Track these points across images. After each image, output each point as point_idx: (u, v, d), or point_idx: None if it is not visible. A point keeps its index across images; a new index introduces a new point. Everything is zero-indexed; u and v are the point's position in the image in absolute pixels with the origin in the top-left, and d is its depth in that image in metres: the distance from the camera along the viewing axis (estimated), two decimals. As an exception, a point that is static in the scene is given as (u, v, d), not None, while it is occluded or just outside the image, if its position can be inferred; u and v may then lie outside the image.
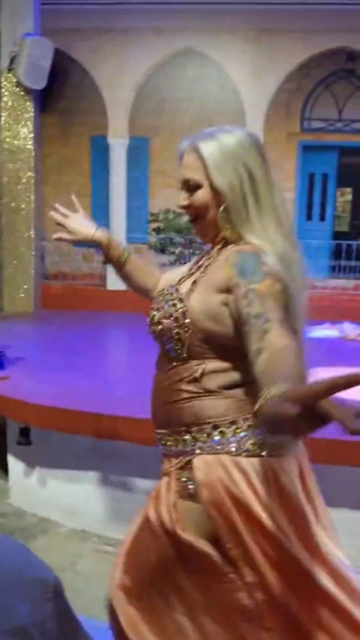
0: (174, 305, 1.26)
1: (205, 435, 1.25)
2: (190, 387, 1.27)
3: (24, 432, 2.81)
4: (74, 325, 5.43)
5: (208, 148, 1.24)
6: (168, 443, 1.32)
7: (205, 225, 1.29)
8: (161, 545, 1.28)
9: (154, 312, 1.31)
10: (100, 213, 6.80)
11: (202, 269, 1.29)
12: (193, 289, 1.26)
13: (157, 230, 6.73)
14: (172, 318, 1.25)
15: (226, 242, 1.28)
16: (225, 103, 6.45)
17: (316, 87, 6.47)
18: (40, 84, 6.07)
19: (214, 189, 1.25)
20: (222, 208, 1.24)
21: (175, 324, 1.25)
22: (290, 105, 6.51)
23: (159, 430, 1.35)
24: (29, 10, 6.15)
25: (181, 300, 1.25)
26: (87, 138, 6.69)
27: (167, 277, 1.45)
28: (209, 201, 1.26)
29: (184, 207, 1.30)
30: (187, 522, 1.25)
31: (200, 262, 1.33)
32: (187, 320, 1.24)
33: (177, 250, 6.73)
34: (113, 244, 1.49)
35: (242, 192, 1.23)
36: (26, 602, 0.64)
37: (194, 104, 6.53)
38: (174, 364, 1.30)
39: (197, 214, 1.29)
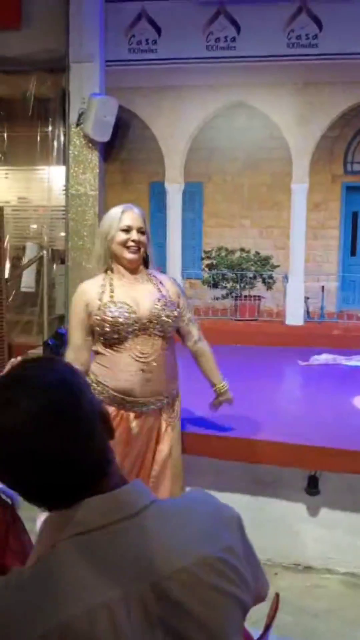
0: (172, 309, 2.27)
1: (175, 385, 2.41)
2: (172, 354, 2.33)
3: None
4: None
5: (143, 214, 2.32)
6: (153, 404, 2.26)
7: (140, 255, 2.28)
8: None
9: (162, 313, 2.24)
10: (158, 251, 7.34)
11: (156, 285, 2.31)
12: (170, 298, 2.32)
13: (210, 267, 7.21)
14: (174, 315, 2.27)
15: (144, 266, 2.34)
16: (273, 150, 6.97)
17: (357, 133, 6.92)
18: (105, 137, 6.74)
19: (148, 237, 2.30)
20: (149, 246, 2.35)
21: (175, 317, 2.27)
22: (333, 151, 6.96)
23: (158, 397, 2.25)
24: (94, 72, 6.89)
25: (177, 305, 2.32)
26: (146, 184, 7.29)
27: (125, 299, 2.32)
28: (147, 243, 2.29)
29: (137, 242, 2.21)
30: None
31: (141, 282, 2.32)
32: (177, 315, 2.31)
33: (229, 285, 7.18)
34: None
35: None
36: (226, 530, 0.96)
37: (243, 152, 7.07)
38: (165, 342, 2.25)
39: (140, 247, 2.25)
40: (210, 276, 7.19)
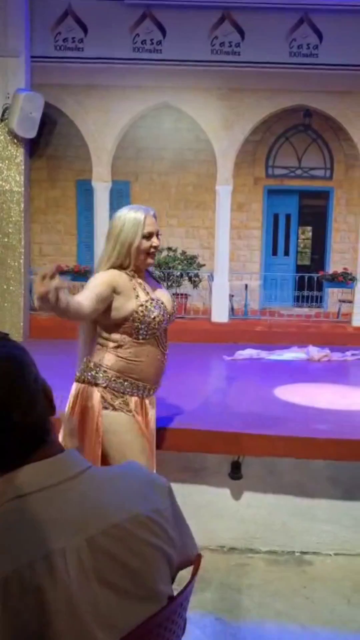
0: (173, 306, 2.37)
1: None
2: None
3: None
4: (63, 352, 5.91)
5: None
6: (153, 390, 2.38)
7: None
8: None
9: (175, 307, 2.38)
10: (85, 250, 7.37)
11: (158, 282, 2.41)
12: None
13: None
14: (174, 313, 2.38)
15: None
16: (199, 152, 7.18)
17: (278, 139, 7.27)
18: (31, 133, 6.66)
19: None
20: None
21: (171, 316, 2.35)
22: (256, 154, 7.27)
23: (156, 385, 2.37)
24: (19, 67, 6.79)
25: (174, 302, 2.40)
26: (72, 182, 7.28)
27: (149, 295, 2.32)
28: None
29: (157, 246, 2.25)
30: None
31: (152, 283, 2.34)
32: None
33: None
34: None
35: None
36: (157, 495, 1.05)
37: (170, 152, 7.23)
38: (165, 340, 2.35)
39: None
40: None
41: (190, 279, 7.29)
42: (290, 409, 3.75)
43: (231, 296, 7.27)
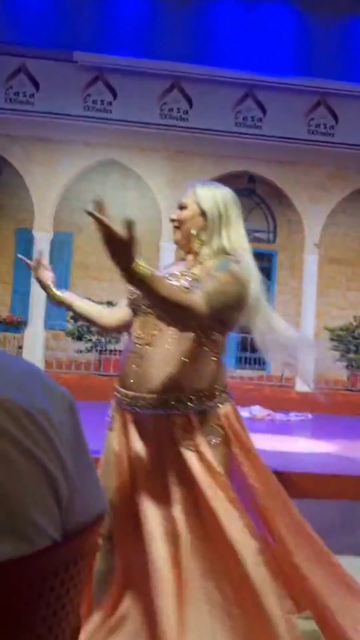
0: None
1: None
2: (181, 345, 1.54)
3: None
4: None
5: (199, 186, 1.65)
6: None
7: (183, 234, 1.62)
8: None
9: None
10: (20, 299, 7.01)
11: (193, 266, 1.57)
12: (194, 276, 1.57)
13: (75, 318, 6.97)
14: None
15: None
16: (144, 209, 7.16)
17: (224, 201, 7.41)
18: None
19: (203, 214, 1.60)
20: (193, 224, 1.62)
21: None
22: (201, 214, 7.36)
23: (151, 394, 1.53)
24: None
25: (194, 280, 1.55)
26: (12, 230, 7.05)
27: None
28: (192, 219, 1.61)
29: (173, 219, 1.63)
30: None
31: (179, 264, 1.63)
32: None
33: (94, 338, 6.96)
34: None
35: None
36: (46, 399, 0.70)
37: (115, 207, 7.18)
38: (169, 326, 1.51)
39: (179, 226, 1.62)
40: (75, 328, 6.94)
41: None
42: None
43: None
